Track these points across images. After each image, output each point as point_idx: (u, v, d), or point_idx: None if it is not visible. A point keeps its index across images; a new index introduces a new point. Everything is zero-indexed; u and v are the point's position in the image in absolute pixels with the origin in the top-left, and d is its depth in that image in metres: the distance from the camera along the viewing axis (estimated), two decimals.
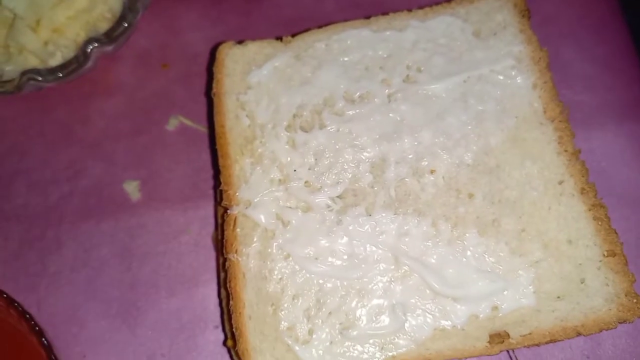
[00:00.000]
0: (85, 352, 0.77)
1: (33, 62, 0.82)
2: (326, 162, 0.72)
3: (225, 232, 0.71)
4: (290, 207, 0.71)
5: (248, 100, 0.76)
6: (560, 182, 0.71)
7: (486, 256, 0.69)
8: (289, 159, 0.73)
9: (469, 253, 0.69)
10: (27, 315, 0.69)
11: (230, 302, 0.69)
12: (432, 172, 0.71)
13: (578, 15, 0.90)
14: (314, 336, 0.67)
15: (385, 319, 0.67)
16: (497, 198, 0.70)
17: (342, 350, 0.67)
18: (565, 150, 0.73)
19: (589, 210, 0.70)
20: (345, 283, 0.69)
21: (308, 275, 0.69)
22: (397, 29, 0.79)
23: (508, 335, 0.67)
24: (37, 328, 0.69)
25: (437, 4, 0.81)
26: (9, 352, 0.70)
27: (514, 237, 0.69)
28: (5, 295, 0.70)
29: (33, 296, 0.79)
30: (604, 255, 0.69)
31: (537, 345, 0.68)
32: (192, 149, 0.86)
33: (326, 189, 0.71)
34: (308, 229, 0.70)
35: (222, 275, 0.74)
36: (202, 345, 0.78)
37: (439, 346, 0.67)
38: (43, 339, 0.69)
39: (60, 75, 0.81)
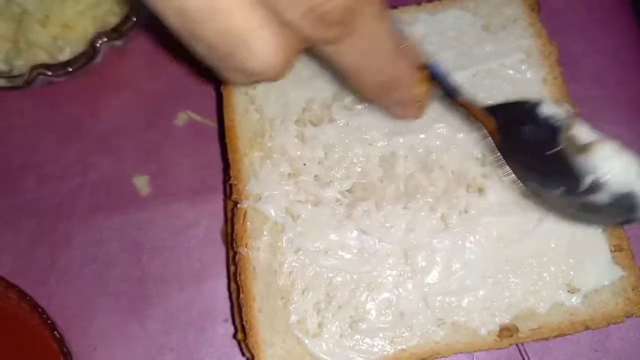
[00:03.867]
0: (95, 345, 0.78)
1: (42, 57, 0.82)
2: (336, 156, 0.73)
3: (235, 226, 0.72)
4: (299, 201, 0.71)
5: (257, 95, 0.76)
6: None
7: None
8: (298, 152, 0.73)
9: None
10: (39, 309, 0.70)
11: (241, 295, 0.70)
12: (441, 166, 0.72)
13: (587, 9, 0.90)
14: (324, 329, 0.67)
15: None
16: (507, 192, 0.70)
17: (352, 344, 0.67)
18: None
19: None
20: (355, 277, 0.69)
21: (318, 269, 0.69)
22: (406, 23, 0.78)
23: (517, 329, 0.67)
24: (48, 321, 0.70)
25: None
26: (21, 346, 0.71)
27: None
28: (16, 289, 0.71)
29: (43, 290, 0.80)
30: (611, 250, 0.69)
31: (546, 339, 0.68)
32: (201, 143, 0.86)
33: (336, 183, 0.72)
34: (318, 222, 0.70)
35: (232, 268, 0.74)
36: (212, 339, 0.78)
37: (449, 340, 0.67)
38: (55, 332, 0.69)
39: (70, 70, 0.81)
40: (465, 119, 0.71)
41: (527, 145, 0.63)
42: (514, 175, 0.63)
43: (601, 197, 0.60)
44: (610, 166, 0.60)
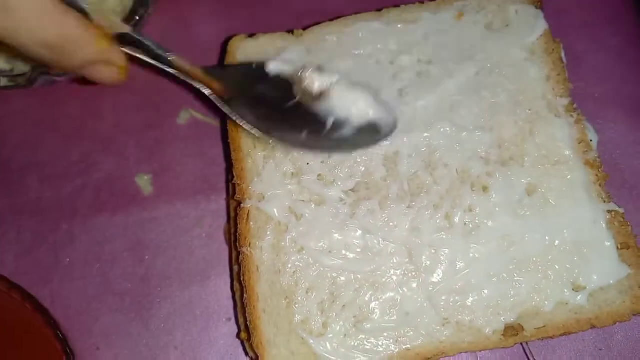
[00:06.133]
0: (98, 344, 0.78)
1: None
2: (339, 156, 0.72)
3: (239, 226, 0.71)
4: (303, 201, 0.71)
5: None
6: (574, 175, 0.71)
7: None
8: (301, 152, 0.73)
9: None
10: (42, 309, 0.70)
11: (244, 295, 0.69)
12: (445, 165, 0.71)
13: (591, 7, 0.90)
14: (328, 329, 0.67)
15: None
16: (512, 191, 0.70)
17: (356, 343, 0.67)
18: (580, 142, 0.72)
19: (603, 202, 0.70)
20: (359, 276, 0.69)
21: (322, 269, 0.69)
22: (408, 22, 0.78)
23: (522, 328, 0.67)
24: (52, 321, 0.70)
25: None
26: (24, 346, 0.71)
27: None
28: (19, 289, 0.71)
29: (46, 289, 0.80)
30: (617, 248, 0.69)
31: (551, 337, 0.68)
32: (204, 142, 0.86)
33: (339, 182, 0.71)
34: (321, 222, 0.70)
35: (236, 268, 0.74)
36: (215, 338, 0.78)
37: (454, 339, 0.67)
38: (58, 332, 0.69)
39: None
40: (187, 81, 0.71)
41: (264, 101, 0.70)
42: (252, 127, 0.69)
43: (346, 132, 0.69)
44: (345, 105, 0.68)
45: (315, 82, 0.68)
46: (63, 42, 0.59)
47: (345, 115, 0.68)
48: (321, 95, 0.68)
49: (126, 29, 0.66)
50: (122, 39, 0.66)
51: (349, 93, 0.69)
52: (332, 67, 0.76)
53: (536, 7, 0.78)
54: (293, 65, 0.70)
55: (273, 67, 0.70)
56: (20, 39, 0.58)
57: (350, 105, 0.68)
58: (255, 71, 0.71)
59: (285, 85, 0.69)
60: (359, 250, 0.69)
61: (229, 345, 0.78)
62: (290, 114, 0.69)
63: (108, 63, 0.66)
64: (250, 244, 0.70)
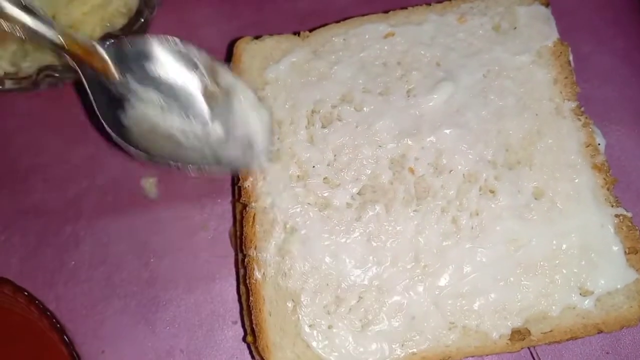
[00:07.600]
0: (104, 347, 0.78)
1: (50, 59, 0.82)
2: (345, 159, 0.72)
3: (245, 229, 0.71)
4: (309, 204, 0.71)
5: (266, 96, 0.76)
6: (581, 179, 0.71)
7: None
8: (307, 155, 0.72)
9: None
10: (48, 313, 0.69)
11: (250, 298, 0.69)
12: (452, 168, 0.71)
13: (596, 9, 0.89)
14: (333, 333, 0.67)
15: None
16: (519, 194, 0.70)
17: (362, 347, 0.66)
18: (587, 146, 0.72)
19: (611, 206, 0.70)
20: (365, 280, 0.68)
21: (327, 272, 0.69)
22: (415, 24, 0.78)
23: (529, 333, 0.66)
24: (57, 325, 0.69)
25: None
26: (30, 349, 0.71)
27: None
28: (25, 293, 0.71)
29: (51, 292, 0.80)
30: (625, 252, 0.68)
31: (558, 342, 0.68)
32: None
33: (345, 186, 0.71)
34: (327, 225, 0.70)
35: (242, 271, 0.74)
36: (221, 341, 0.78)
37: (460, 343, 0.67)
38: (64, 336, 0.69)
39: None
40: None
41: (155, 81, 0.66)
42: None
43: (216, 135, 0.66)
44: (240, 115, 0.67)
45: (227, 78, 0.67)
46: None
47: (231, 124, 0.67)
48: (222, 94, 0.67)
49: None
50: None
51: (253, 108, 0.69)
52: (337, 70, 0.76)
53: (545, 6, 0.77)
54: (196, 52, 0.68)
55: (179, 47, 0.67)
56: None
57: (245, 118, 0.68)
58: (153, 45, 0.67)
59: (182, 70, 0.67)
60: (364, 253, 0.69)
61: (235, 348, 0.78)
62: (175, 99, 0.67)
63: None
64: (256, 247, 0.70)
